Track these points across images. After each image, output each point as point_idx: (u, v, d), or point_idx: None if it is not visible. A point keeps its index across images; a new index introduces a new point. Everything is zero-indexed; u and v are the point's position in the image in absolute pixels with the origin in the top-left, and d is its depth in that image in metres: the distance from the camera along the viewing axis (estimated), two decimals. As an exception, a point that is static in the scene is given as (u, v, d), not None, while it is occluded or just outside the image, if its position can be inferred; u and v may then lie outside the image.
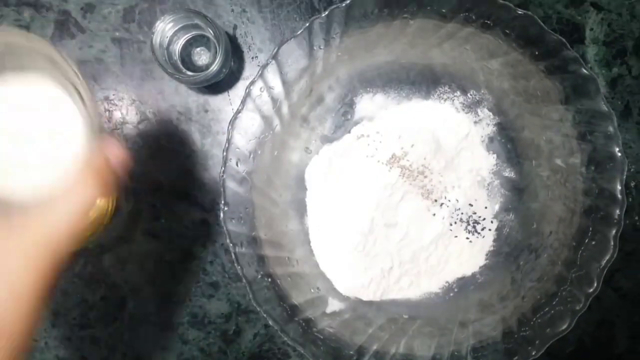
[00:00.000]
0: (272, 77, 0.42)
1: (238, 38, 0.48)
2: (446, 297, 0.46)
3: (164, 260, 0.48)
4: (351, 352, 0.41)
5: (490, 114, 0.46)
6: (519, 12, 0.40)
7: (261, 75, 0.42)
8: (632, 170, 0.48)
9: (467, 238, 0.46)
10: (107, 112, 0.48)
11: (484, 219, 0.46)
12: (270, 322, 0.40)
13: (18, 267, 0.24)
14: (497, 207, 0.47)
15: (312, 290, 0.45)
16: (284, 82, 0.43)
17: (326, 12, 0.41)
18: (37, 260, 0.25)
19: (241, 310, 0.48)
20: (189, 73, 0.46)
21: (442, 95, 0.47)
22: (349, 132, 0.46)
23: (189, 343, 0.48)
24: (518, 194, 0.46)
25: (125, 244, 0.48)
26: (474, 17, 0.41)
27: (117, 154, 0.27)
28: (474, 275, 0.46)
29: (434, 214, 0.46)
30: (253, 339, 0.48)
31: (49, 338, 0.48)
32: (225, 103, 0.48)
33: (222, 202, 0.41)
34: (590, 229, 0.41)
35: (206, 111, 0.48)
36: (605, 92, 0.48)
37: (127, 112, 0.48)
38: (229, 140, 0.42)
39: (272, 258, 0.43)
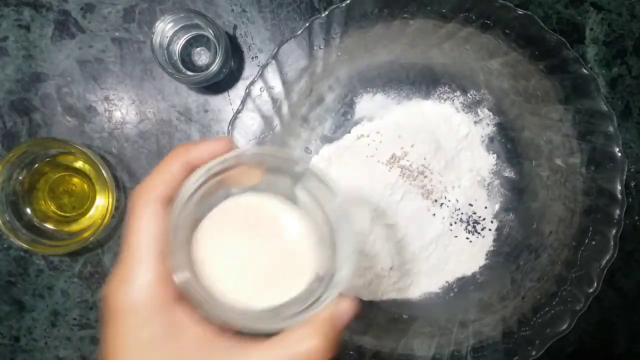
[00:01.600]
0: (272, 77, 0.42)
1: (238, 38, 0.48)
2: (446, 297, 0.46)
3: (164, 260, 0.48)
4: (351, 352, 0.41)
5: (490, 114, 0.46)
6: (519, 12, 0.40)
7: (261, 75, 0.42)
8: (632, 170, 0.48)
9: (467, 238, 0.46)
10: (107, 112, 0.48)
11: (484, 219, 0.46)
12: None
13: None
14: (497, 207, 0.47)
15: (312, 290, 0.45)
16: (284, 82, 0.43)
17: (326, 12, 0.41)
18: None
19: (241, 310, 0.48)
20: (189, 73, 0.46)
21: (442, 95, 0.47)
22: (349, 132, 0.46)
23: (189, 343, 0.48)
24: (518, 194, 0.46)
25: (125, 244, 0.48)
26: (474, 17, 0.41)
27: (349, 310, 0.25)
28: (474, 275, 0.46)
29: (434, 214, 0.46)
30: (253, 339, 0.48)
31: (49, 338, 0.48)
32: (225, 103, 0.48)
33: (222, 202, 0.41)
34: (590, 229, 0.41)
35: (206, 111, 0.48)
36: (605, 92, 0.48)
37: (127, 112, 0.48)
38: (229, 140, 0.42)
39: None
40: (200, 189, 0.24)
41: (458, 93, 0.46)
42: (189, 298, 0.23)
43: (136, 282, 0.23)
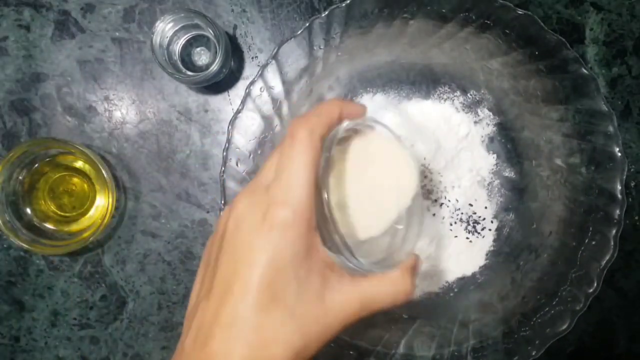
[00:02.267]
0: (272, 77, 0.42)
1: (238, 38, 0.48)
2: (446, 297, 0.46)
3: (164, 260, 0.48)
4: (351, 352, 0.41)
5: (490, 114, 0.46)
6: (519, 12, 0.40)
7: (261, 75, 0.42)
8: (632, 170, 0.48)
9: (467, 238, 0.46)
10: (107, 112, 0.48)
11: (484, 219, 0.46)
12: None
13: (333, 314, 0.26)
14: (497, 207, 0.47)
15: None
16: (284, 82, 0.43)
17: (326, 12, 0.41)
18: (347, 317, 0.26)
19: (241, 310, 0.48)
20: (189, 73, 0.46)
21: (442, 95, 0.47)
22: (349, 132, 0.46)
23: (189, 343, 0.48)
24: (518, 194, 0.46)
25: (125, 244, 0.48)
26: (473, 17, 0.41)
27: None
28: (474, 275, 0.46)
29: (434, 214, 0.46)
30: (253, 339, 0.48)
31: (49, 338, 0.48)
32: (225, 103, 0.48)
33: (222, 202, 0.41)
34: (590, 229, 0.41)
35: (206, 111, 0.48)
36: (605, 92, 0.48)
37: (127, 112, 0.48)
38: (229, 140, 0.42)
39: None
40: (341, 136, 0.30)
41: (458, 93, 0.46)
42: (322, 223, 0.27)
43: (295, 202, 0.25)
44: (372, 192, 0.30)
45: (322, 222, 0.27)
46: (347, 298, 0.26)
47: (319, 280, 0.26)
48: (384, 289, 0.28)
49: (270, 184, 0.26)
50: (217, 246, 0.27)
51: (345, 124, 0.29)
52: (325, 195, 0.27)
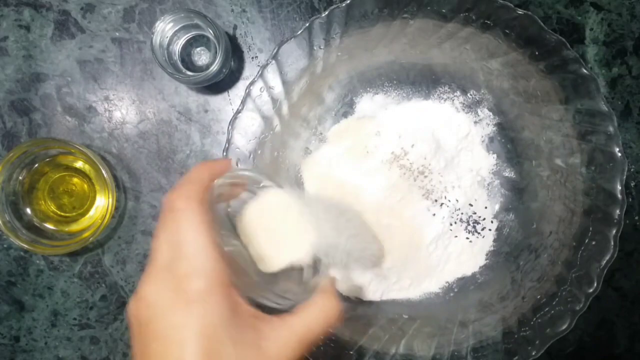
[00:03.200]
0: (272, 77, 0.42)
1: (238, 38, 0.48)
2: (446, 297, 0.46)
3: (164, 260, 0.48)
4: (351, 352, 0.41)
5: (490, 114, 0.46)
6: (519, 12, 0.40)
7: (261, 75, 0.42)
8: (632, 170, 0.48)
9: (467, 238, 0.46)
10: (107, 112, 0.48)
11: (484, 219, 0.46)
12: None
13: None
14: (497, 207, 0.47)
15: (312, 290, 0.45)
16: (284, 82, 0.43)
17: (326, 12, 0.41)
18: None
19: (241, 310, 0.48)
20: (189, 73, 0.46)
21: (442, 95, 0.47)
22: (349, 132, 0.46)
23: (189, 343, 0.48)
24: (518, 194, 0.46)
25: (125, 244, 0.48)
26: (474, 17, 0.41)
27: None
28: (474, 275, 0.46)
29: (434, 214, 0.46)
30: (253, 339, 0.48)
31: (49, 338, 0.48)
32: (225, 103, 0.48)
33: (222, 202, 0.41)
34: (590, 229, 0.41)
35: (206, 111, 0.48)
36: (605, 92, 0.48)
37: (127, 112, 0.48)
38: (229, 140, 0.42)
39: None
40: (224, 191, 0.31)
41: (458, 93, 0.46)
42: (236, 271, 0.27)
43: (204, 269, 0.25)
44: (267, 242, 0.32)
45: (236, 275, 0.27)
46: (283, 340, 0.27)
47: (251, 333, 0.26)
48: (315, 317, 0.29)
49: (170, 263, 0.26)
50: (134, 340, 0.26)
51: (220, 181, 0.31)
52: (242, 251, 0.28)
